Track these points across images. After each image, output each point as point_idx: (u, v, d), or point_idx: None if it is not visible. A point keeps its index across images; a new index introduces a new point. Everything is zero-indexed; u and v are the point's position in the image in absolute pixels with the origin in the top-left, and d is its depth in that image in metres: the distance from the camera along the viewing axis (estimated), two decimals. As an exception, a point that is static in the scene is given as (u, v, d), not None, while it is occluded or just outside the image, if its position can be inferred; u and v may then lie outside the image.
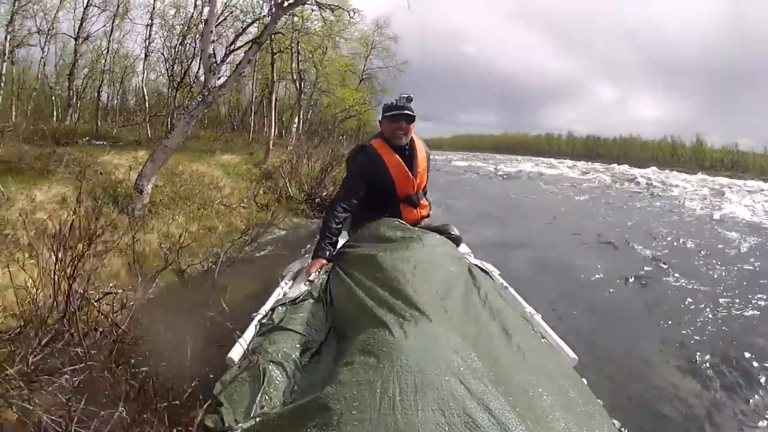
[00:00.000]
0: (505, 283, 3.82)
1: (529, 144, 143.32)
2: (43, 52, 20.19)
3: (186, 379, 3.40)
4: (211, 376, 2.66)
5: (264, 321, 2.88)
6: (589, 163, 70.01)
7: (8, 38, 17.01)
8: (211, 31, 9.72)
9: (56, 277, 3.76)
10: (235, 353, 2.48)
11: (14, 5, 17.01)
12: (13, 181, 7.57)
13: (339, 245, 3.92)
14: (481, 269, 3.73)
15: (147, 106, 24.04)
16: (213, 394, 2.19)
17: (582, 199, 22.46)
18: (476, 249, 5.01)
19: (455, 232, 4.36)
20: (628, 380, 4.58)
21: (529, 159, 74.58)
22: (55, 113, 22.44)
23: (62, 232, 3.97)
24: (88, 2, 20.13)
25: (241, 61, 9.69)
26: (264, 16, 13.69)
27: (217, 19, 12.07)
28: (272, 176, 14.16)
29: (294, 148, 17.14)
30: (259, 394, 2.08)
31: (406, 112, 4.15)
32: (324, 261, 3.72)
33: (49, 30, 19.66)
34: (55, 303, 3.69)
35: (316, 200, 12.42)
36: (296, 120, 25.59)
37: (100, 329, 3.87)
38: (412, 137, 4.37)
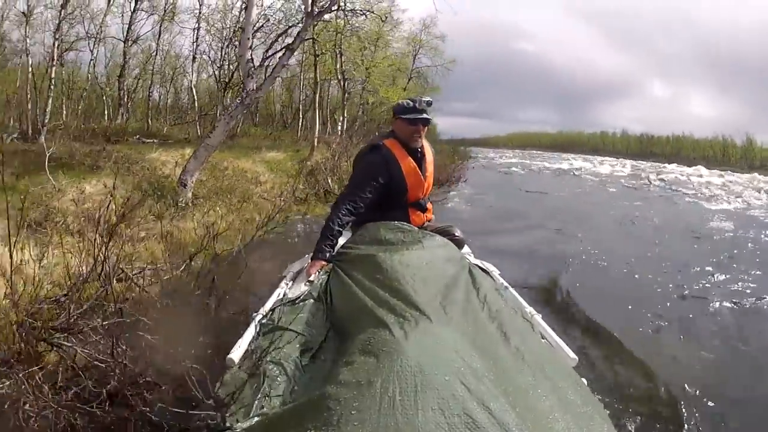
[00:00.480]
0: (506, 283, 3.81)
1: (584, 142, 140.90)
2: (92, 55, 20.65)
3: (186, 377, 3.44)
4: (212, 376, 2.64)
5: (264, 321, 2.89)
6: (633, 161, 66.86)
7: (56, 44, 17.14)
8: (249, 38, 10.62)
9: (97, 252, 4.30)
10: (236, 354, 2.50)
11: (60, 13, 17.22)
12: (64, 175, 8.41)
13: (340, 245, 3.90)
14: (482, 269, 3.74)
15: (197, 105, 24.88)
16: (213, 394, 2.21)
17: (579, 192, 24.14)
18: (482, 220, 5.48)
19: (459, 234, 4.35)
20: (628, 380, 4.55)
21: (581, 157, 71.78)
22: (106, 112, 23.23)
23: (100, 213, 4.74)
24: (135, 7, 21.06)
25: (275, 66, 10.55)
26: (297, 23, 14.78)
27: (255, 27, 12.95)
28: (314, 172, 14.91)
29: (337, 145, 17.81)
30: (259, 394, 2.10)
31: (424, 116, 4.09)
32: (323, 262, 3.67)
33: (97, 34, 20.16)
34: (97, 275, 4.23)
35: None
36: (341, 118, 26.64)
37: (133, 295, 4.63)
38: None
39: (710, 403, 4.26)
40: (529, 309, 3.31)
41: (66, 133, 13.13)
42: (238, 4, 21.39)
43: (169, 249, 5.82)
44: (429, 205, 4.49)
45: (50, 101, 15.77)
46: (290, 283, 3.65)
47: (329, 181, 14.11)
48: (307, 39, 14.69)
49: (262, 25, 20.28)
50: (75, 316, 3.81)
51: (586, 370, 2.97)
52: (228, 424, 1.93)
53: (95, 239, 4.39)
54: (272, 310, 2.94)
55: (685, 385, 4.49)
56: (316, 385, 2.15)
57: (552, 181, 30.90)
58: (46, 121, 15.47)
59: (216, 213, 8.28)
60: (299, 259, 4.14)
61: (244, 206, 8.94)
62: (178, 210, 8.66)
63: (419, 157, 4.24)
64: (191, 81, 25.99)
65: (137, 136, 17.44)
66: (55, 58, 17.13)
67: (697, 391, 4.42)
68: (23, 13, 17.34)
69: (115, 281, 4.35)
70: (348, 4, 14.91)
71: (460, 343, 2.18)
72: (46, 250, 4.53)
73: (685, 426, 3.96)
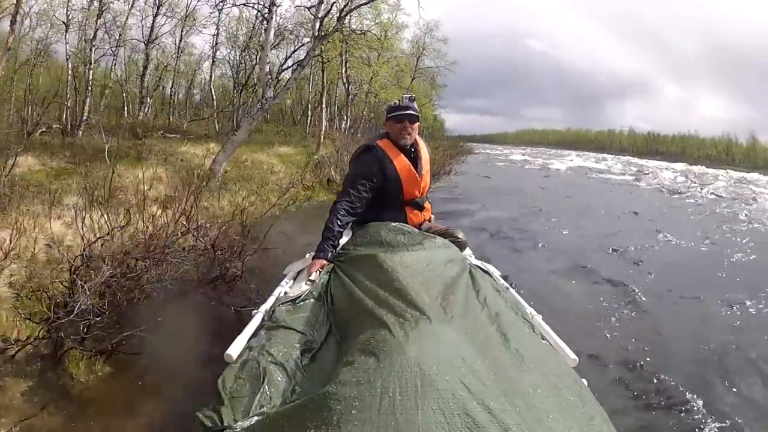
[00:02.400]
0: (506, 284, 3.74)
1: (591, 140, 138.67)
2: (113, 54, 21.49)
3: (186, 377, 3.59)
4: (211, 374, 2.59)
5: (264, 320, 2.85)
6: (639, 159, 67.71)
7: (92, 49, 18.30)
8: (267, 55, 13.04)
9: (190, 207, 5.55)
10: (234, 350, 2.42)
11: (96, 22, 18.43)
12: (119, 163, 9.90)
13: (340, 245, 3.90)
14: (482, 270, 3.70)
15: (215, 104, 26.52)
16: (214, 392, 2.12)
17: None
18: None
19: (461, 236, 4.32)
20: (628, 380, 4.59)
21: (583, 154, 72.15)
22: (126, 109, 24.03)
23: (176, 191, 6.44)
24: (156, 12, 22.16)
25: (289, 80, 12.90)
26: (307, 42, 17.61)
27: (272, 45, 15.42)
28: (320, 165, 16.44)
29: (340, 142, 20.00)
30: (259, 394, 2.03)
31: (409, 111, 4.08)
32: (324, 262, 3.63)
33: (120, 36, 21.08)
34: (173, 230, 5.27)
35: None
36: (345, 117, 29.26)
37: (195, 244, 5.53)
38: (415, 138, 4.28)
39: (711, 403, 4.29)
40: (530, 309, 3.28)
41: (100, 129, 15.05)
42: (254, 12, 23.74)
43: (209, 218, 6.54)
44: (427, 204, 4.47)
45: (88, 100, 17.86)
46: (291, 282, 3.66)
47: (333, 172, 15.64)
48: (316, 56, 15.84)
49: (278, 43, 23.03)
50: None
51: (586, 370, 2.89)
52: (227, 423, 1.91)
53: (185, 200, 5.68)
54: (273, 308, 2.93)
55: (686, 385, 4.53)
56: (317, 384, 2.11)
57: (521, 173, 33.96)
58: (84, 118, 16.50)
59: (241, 195, 9.54)
60: (300, 258, 4.15)
61: (262, 190, 10.30)
62: (210, 193, 9.60)
63: (413, 156, 4.24)
64: (210, 81, 27.39)
65: (161, 132, 18.52)
66: (93, 61, 18.41)
67: (698, 391, 4.44)
68: (64, 23, 18.56)
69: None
70: (351, 24, 17.19)
71: (461, 344, 2.15)
72: (128, 215, 4.97)
73: (686, 426, 3.99)
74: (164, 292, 4.79)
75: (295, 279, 3.74)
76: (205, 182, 9.57)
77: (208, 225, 5.77)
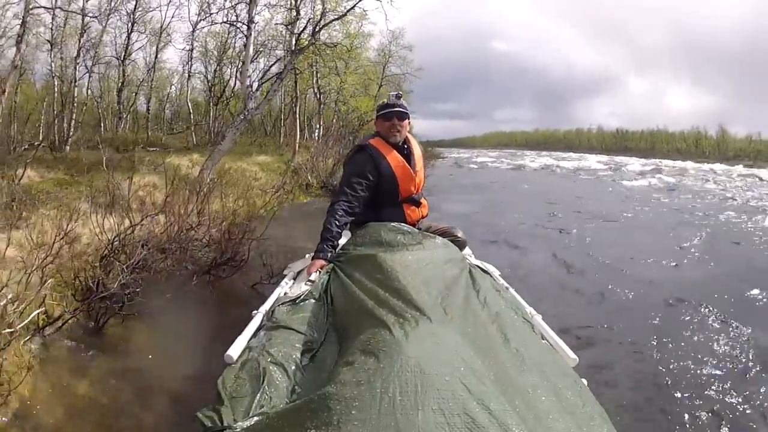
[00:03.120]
0: (506, 284, 3.73)
1: (559, 139, 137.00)
2: (88, 71, 21.44)
3: (185, 376, 3.60)
4: (211, 374, 2.56)
5: (264, 320, 2.83)
6: (608, 156, 68.79)
7: (76, 68, 18.93)
8: (248, 70, 14.19)
9: (201, 206, 6.58)
10: (234, 350, 2.41)
11: (79, 41, 18.94)
12: (115, 173, 11.04)
13: (340, 245, 3.88)
14: (482, 270, 3.69)
15: (192, 117, 27.22)
16: (214, 392, 2.11)
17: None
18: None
19: (460, 235, 4.31)
20: (628, 381, 4.58)
21: (550, 154, 72.84)
22: (102, 124, 24.53)
23: (173, 194, 7.03)
24: (131, 28, 22.77)
25: (269, 92, 13.97)
26: (284, 56, 18.51)
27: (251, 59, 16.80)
28: (298, 171, 17.08)
29: (314, 149, 20.65)
30: (259, 394, 2.03)
31: (397, 108, 4.09)
32: (324, 262, 3.60)
33: (95, 53, 21.13)
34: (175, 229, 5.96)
35: (329, 187, 15.31)
36: (317, 126, 29.95)
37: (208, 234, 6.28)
38: (407, 136, 4.27)
39: (711, 403, 4.27)
40: (530, 309, 3.27)
41: (86, 144, 15.49)
42: (225, 27, 24.83)
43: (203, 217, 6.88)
44: (423, 201, 4.43)
45: (74, 117, 18.01)
46: (291, 283, 3.65)
47: (309, 177, 16.27)
48: (291, 69, 17.32)
49: (256, 58, 24.40)
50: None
51: (586, 370, 2.94)
52: (227, 423, 1.91)
53: (197, 199, 6.65)
54: (272, 308, 2.91)
55: (686, 385, 4.53)
56: (316, 384, 2.10)
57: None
58: (71, 133, 17.31)
59: (231, 198, 9.69)
60: (300, 258, 4.20)
61: (248, 195, 10.24)
62: (201, 196, 11.31)
63: (406, 153, 4.22)
64: (187, 96, 28.20)
65: (141, 145, 19.00)
66: (76, 79, 19.06)
67: (699, 390, 4.44)
68: (48, 41, 19.01)
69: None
70: (321, 37, 18.33)
71: (461, 344, 2.16)
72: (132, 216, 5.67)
73: (686, 426, 3.96)
74: (185, 273, 5.69)
75: (294, 279, 3.76)
76: (203, 186, 10.57)
77: (219, 218, 6.69)
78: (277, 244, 6.97)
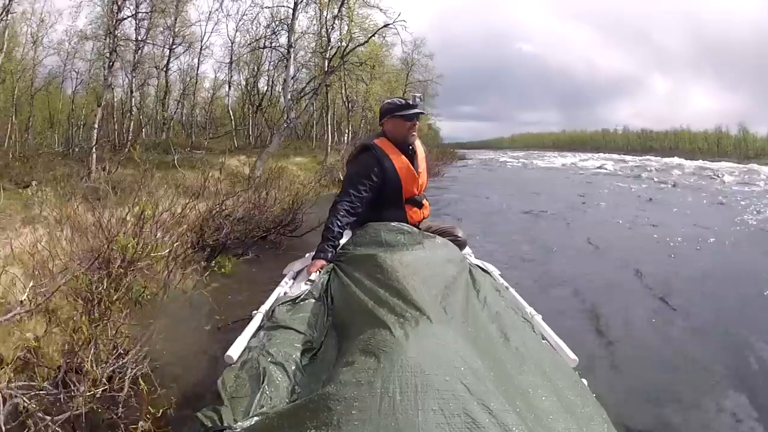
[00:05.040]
0: (506, 284, 3.72)
1: (586, 140, 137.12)
2: (129, 80, 23.28)
3: (185, 376, 3.66)
4: (211, 374, 2.73)
5: (264, 320, 2.82)
6: (632, 156, 69.57)
7: (133, 80, 21.18)
8: (289, 86, 17.43)
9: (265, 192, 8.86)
10: (235, 351, 2.39)
11: (135, 56, 21.23)
12: (182, 169, 13.20)
13: (341, 244, 3.87)
14: (482, 269, 3.67)
15: (232, 123, 29.93)
16: (213, 393, 2.11)
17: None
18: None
19: (461, 234, 4.28)
20: (628, 381, 4.53)
21: (576, 155, 74.38)
22: (143, 130, 26.61)
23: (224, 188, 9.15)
24: (172, 42, 25.36)
25: (306, 105, 17.42)
26: (320, 74, 21.80)
27: (292, 78, 20.40)
28: (330, 170, 19.62)
29: (344, 151, 22.83)
30: (259, 394, 2.01)
31: (418, 110, 4.05)
32: (324, 262, 3.58)
33: (136, 62, 22.82)
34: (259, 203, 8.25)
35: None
36: (347, 131, 32.54)
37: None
38: None
39: (712, 403, 4.28)
40: (530, 309, 3.26)
41: (143, 146, 17.23)
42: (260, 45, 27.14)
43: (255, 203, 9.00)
44: (425, 202, 4.36)
45: (132, 123, 20.34)
46: (291, 282, 3.66)
47: (340, 174, 17.35)
48: (328, 85, 21.07)
49: (296, 76, 27.05)
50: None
51: (586, 370, 2.80)
52: (227, 424, 1.90)
53: (266, 184, 9.53)
54: (272, 308, 2.90)
55: (687, 385, 4.53)
56: (317, 384, 2.09)
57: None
58: (129, 137, 19.56)
59: (281, 189, 11.57)
60: (300, 259, 4.16)
61: (292, 188, 11.94)
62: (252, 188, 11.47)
63: (411, 154, 4.15)
64: (228, 104, 31.32)
65: (188, 149, 21.09)
66: (134, 90, 21.28)
67: (699, 390, 4.44)
68: (108, 56, 22.09)
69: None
70: (351, 57, 20.51)
71: (461, 344, 2.12)
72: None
73: (687, 426, 3.97)
74: (258, 232, 7.95)
75: (294, 279, 3.72)
76: (260, 179, 12.71)
77: (280, 199, 9.23)
78: (318, 218, 7.79)
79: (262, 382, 2.08)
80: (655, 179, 29.55)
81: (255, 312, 2.93)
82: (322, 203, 9.95)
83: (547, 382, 2.15)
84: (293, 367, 2.24)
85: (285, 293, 3.24)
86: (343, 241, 3.84)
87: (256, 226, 8.17)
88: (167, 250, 5.43)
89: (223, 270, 6.16)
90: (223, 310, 5.08)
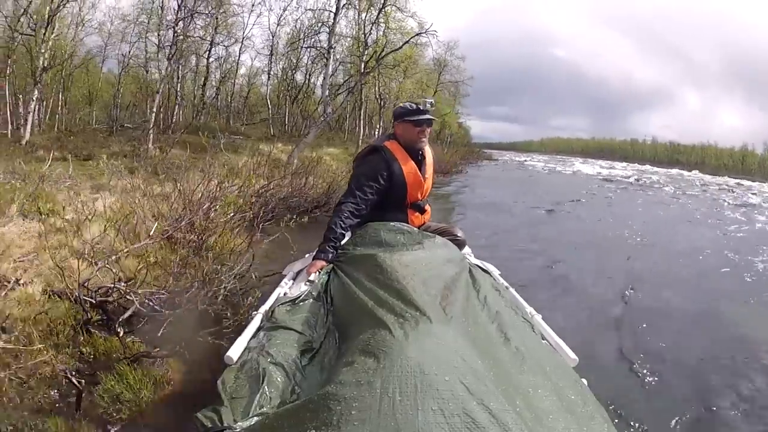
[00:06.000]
0: (506, 284, 3.69)
1: (614, 149, 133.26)
2: (176, 67, 23.97)
3: (185, 376, 3.66)
4: (211, 374, 2.65)
5: (264, 320, 2.80)
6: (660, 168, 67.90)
7: (179, 67, 21.79)
8: (328, 84, 18.84)
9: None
10: (235, 351, 2.38)
11: (182, 46, 21.06)
12: (224, 153, 13.52)
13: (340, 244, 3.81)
14: (482, 269, 3.65)
15: (269, 112, 31.03)
16: (213, 393, 2.10)
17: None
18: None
19: (460, 234, 4.26)
20: (628, 381, 4.58)
21: (599, 162, 72.97)
22: (182, 114, 27.36)
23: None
24: (214, 32, 25.86)
25: (342, 102, 19.16)
26: (356, 74, 23.42)
27: (330, 76, 21.52)
28: None
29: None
30: (259, 394, 2.01)
31: (428, 116, 3.98)
32: (324, 263, 3.55)
33: (183, 51, 23.12)
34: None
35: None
36: (378, 125, 33.45)
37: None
38: None
39: (711, 403, 4.32)
40: (530, 309, 3.25)
41: (186, 129, 18.25)
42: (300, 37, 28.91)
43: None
44: (427, 207, 4.34)
45: (177, 107, 21.27)
46: (290, 283, 3.64)
47: None
48: (364, 84, 22.07)
49: (333, 74, 27.19)
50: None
51: (586, 370, 2.80)
52: (227, 424, 1.91)
53: (306, 169, 10.34)
54: (272, 309, 2.89)
55: (688, 385, 4.60)
56: (316, 384, 2.13)
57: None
58: (174, 120, 20.52)
59: (318, 176, 12.29)
60: (300, 259, 4.19)
61: (326, 175, 12.80)
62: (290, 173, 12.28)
63: (419, 159, 4.12)
64: (267, 94, 32.44)
65: (227, 133, 21.57)
66: (180, 77, 22.23)
67: (699, 390, 4.51)
68: (157, 45, 21.45)
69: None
70: (386, 60, 21.64)
71: (461, 344, 2.14)
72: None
73: (687, 425, 4.00)
74: (301, 206, 8.75)
75: (294, 279, 3.69)
76: (299, 166, 13.30)
77: (318, 184, 10.22)
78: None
79: (262, 383, 2.09)
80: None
81: (255, 312, 2.93)
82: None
83: (547, 381, 2.17)
84: (293, 368, 2.25)
85: (285, 294, 3.25)
86: (343, 241, 3.84)
87: (297, 205, 9.13)
88: (232, 213, 6.66)
89: (269, 235, 6.81)
90: (268, 263, 5.72)
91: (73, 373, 3.34)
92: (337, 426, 1.67)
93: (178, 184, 7.06)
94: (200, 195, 6.56)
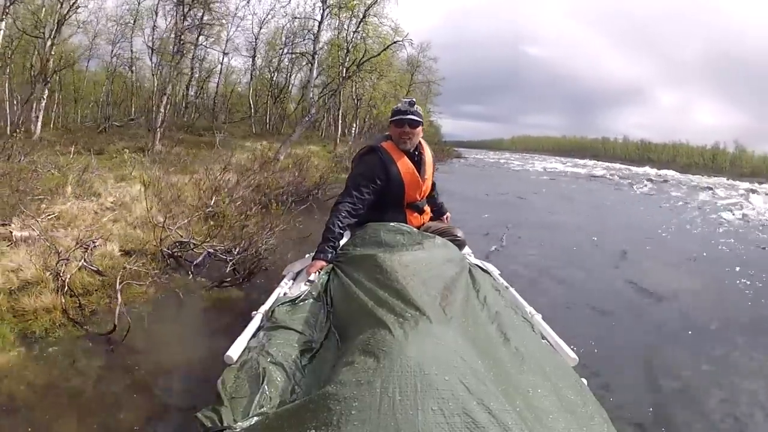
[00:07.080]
0: (506, 284, 3.67)
1: (586, 147, 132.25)
2: (152, 64, 25.15)
3: (185, 376, 3.65)
4: (211, 374, 2.54)
5: (264, 320, 2.77)
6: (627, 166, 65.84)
7: (171, 69, 21.60)
8: (312, 86, 21.24)
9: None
10: (234, 351, 2.35)
11: (174, 47, 21.65)
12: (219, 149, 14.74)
13: (340, 245, 3.81)
14: (482, 269, 3.63)
15: (251, 111, 32.35)
16: (213, 393, 2.07)
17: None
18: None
19: (460, 235, 4.23)
20: (628, 381, 4.53)
21: (568, 161, 72.22)
22: (163, 112, 25.80)
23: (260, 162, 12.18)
24: (199, 33, 25.41)
25: (325, 103, 21.06)
26: (337, 77, 25.58)
27: (314, 80, 23.27)
28: (339, 158, 21.40)
29: (351, 143, 26.22)
30: (259, 394, 1.99)
31: (409, 116, 3.95)
32: (324, 263, 3.52)
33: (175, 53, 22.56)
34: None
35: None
36: (354, 124, 34.77)
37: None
38: (419, 142, 4.15)
39: (711, 403, 4.37)
40: (530, 309, 3.24)
41: (173, 127, 18.77)
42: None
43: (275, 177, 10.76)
44: (427, 208, 4.34)
45: (164, 106, 21.11)
46: (290, 283, 3.61)
47: (348, 163, 19.96)
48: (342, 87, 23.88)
49: (318, 76, 28.64)
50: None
51: (586, 370, 2.83)
52: (227, 424, 1.89)
53: (302, 163, 12.73)
54: (272, 308, 2.86)
55: (688, 384, 4.64)
56: (316, 384, 2.10)
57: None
58: (161, 118, 20.33)
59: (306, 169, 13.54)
60: (300, 259, 4.12)
61: (310, 172, 13.89)
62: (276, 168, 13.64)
63: (417, 160, 4.10)
64: (249, 94, 33.71)
65: (210, 131, 22.64)
66: (172, 78, 22.06)
67: (699, 390, 4.55)
68: (149, 47, 23.04)
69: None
70: (365, 65, 23.17)
71: (460, 344, 2.12)
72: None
73: (687, 425, 4.02)
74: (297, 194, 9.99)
75: (294, 279, 3.69)
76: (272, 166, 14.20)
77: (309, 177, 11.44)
78: (333, 192, 9.51)
79: (262, 383, 2.05)
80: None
81: (255, 312, 2.87)
82: (333, 186, 12.87)
83: (547, 381, 2.13)
84: (293, 368, 2.21)
85: (285, 294, 3.20)
86: (342, 241, 3.78)
87: (295, 192, 10.86)
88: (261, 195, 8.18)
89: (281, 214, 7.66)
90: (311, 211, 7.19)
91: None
92: (337, 426, 1.66)
93: (204, 171, 9.03)
94: (228, 180, 8.49)
